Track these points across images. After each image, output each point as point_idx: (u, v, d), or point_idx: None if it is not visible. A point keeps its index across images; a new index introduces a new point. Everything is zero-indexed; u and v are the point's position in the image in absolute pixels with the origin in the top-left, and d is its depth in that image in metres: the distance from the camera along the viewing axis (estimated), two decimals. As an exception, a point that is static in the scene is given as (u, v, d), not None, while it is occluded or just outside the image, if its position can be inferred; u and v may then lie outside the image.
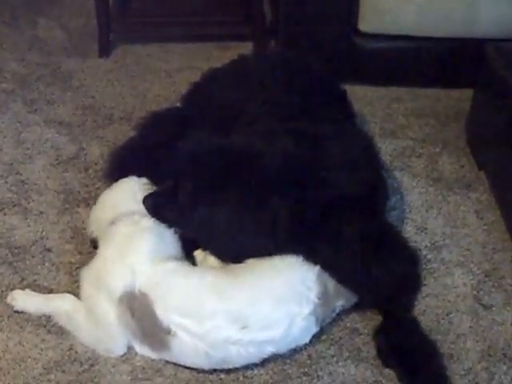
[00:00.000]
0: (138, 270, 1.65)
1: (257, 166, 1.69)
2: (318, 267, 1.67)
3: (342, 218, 1.69)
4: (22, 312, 1.80)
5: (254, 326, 1.58)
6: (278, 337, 1.61)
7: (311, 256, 1.68)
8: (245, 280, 1.65)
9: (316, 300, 1.65)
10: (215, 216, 1.67)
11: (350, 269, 1.71)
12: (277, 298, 1.62)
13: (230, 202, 1.66)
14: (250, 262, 1.70)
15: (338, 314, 1.78)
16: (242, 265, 1.70)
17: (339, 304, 1.74)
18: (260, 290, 1.63)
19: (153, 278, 1.64)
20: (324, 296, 1.67)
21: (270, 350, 1.63)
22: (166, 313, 1.59)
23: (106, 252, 1.72)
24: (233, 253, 1.73)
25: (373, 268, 1.71)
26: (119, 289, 1.64)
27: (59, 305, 1.76)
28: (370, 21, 2.52)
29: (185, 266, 1.73)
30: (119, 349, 1.70)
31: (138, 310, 1.63)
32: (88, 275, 1.72)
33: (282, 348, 1.65)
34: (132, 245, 1.70)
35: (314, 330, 1.68)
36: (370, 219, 1.78)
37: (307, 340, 1.69)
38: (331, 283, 1.70)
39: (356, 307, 1.79)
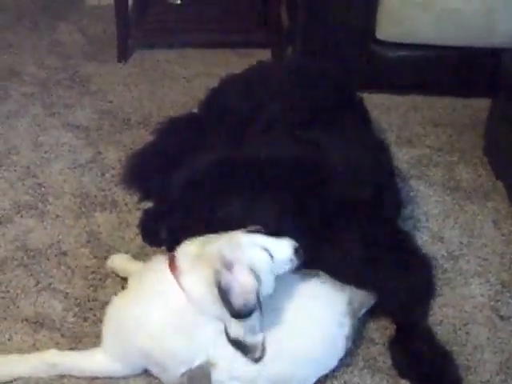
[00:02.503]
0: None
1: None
2: (347, 294, 1.65)
3: (342, 223, 1.69)
4: (36, 315, 1.80)
5: None
6: None
7: (315, 260, 1.66)
8: (288, 343, 1.57)
9: (347, 334, 1.63)
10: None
11: (354, 273, 1.70)
12: (316, 359, 1.60)
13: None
14: (287, 313, 1.61)
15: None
16: (281, 319, 1.60)
17: (362, 313, 1.72)
18: (300, 356, 1.58)
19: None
20: (353, 326, 1.66)
21: None
22: (220, 377, 1.56)
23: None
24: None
25: (380, 273, 1.71)
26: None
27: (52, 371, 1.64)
28: (387, 29, 2.51)
29: None
30: None
31: (196, 378, 1.58)
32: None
33: None
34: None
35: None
36: (375, 224, 1.76)
37: None
38: (357, 300, 1.67)
39: (371, 316, 1.78)
